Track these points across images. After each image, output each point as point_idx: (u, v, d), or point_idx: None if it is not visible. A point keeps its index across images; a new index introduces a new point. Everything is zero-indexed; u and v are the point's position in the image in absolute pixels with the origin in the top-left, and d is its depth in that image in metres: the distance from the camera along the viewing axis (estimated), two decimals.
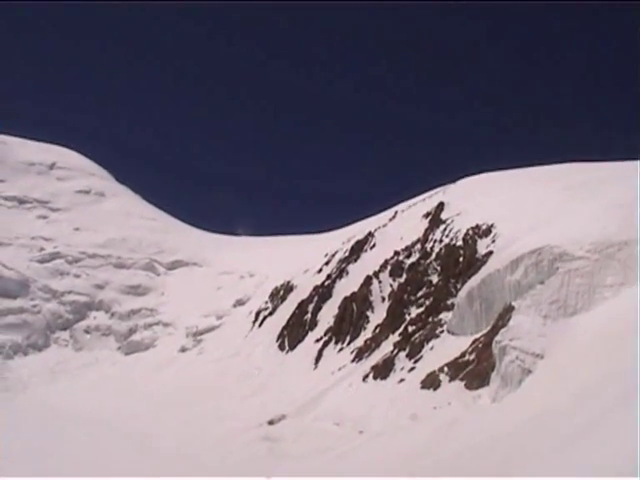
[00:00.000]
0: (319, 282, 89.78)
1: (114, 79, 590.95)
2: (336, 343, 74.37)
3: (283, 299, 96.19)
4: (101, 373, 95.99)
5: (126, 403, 76.60)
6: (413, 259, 77.31)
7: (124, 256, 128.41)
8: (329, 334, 76.64)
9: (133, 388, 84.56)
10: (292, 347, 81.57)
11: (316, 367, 73.11)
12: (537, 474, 24.84)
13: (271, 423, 62.92)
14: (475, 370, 48.28)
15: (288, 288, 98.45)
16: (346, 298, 78.96)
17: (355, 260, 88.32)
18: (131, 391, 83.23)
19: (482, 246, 67.12)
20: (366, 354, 66.28)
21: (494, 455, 31.56)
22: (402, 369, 57.90)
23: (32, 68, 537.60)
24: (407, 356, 59.23)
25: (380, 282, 77.05)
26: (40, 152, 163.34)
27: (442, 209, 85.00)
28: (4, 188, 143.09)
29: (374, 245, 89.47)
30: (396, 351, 61.10)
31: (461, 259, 68.75)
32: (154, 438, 60.56)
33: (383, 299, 74.60)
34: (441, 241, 76.06)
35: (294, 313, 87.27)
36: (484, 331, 52.16)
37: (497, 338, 46.02)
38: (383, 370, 59.55)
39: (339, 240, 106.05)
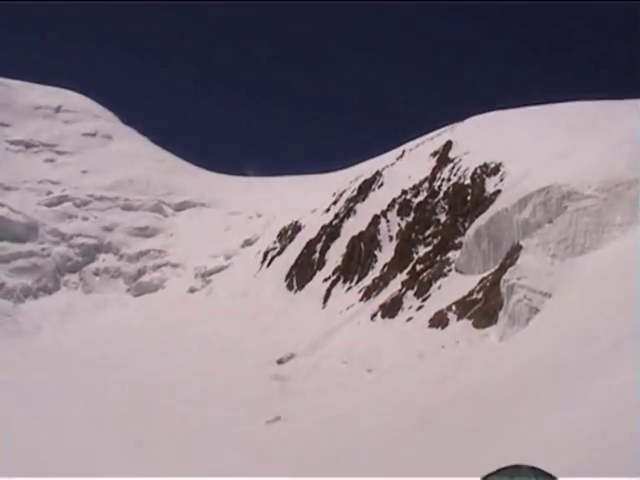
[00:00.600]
0: (327, 222, 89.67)
1: (118, 19, 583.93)
2: (344, 282, 74.61)
3: (291, 239, 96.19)
4: (111, 315, 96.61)
5: (136, 344, 77.22)
6: (421, 198, 77.10)
7: (132, 198, 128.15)
8: (337, 273, 76.85)
9: (143, 329, 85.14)
10: (300, 287, 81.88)
11: (324, 306, 73.47)
12: (543, 413, 25.05)
13: (280, 362, 63.47)
14: (483, 309, 48.46)
15: (296, 228, 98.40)
16: (354, 237, 78.96)
17: (363, 199, 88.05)
18: (141, 332, 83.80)
19: (490, 185, 66.86)
20: (374, 293, 66.53)
21: (501, 393, 31.80)
22: (410, 308, 58.17)
23: (35, 9, 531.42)
24: (415, 295, 59.48)
25: (388, 221, 76.95)
26: (45, 95, 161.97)
27: (450, 148, 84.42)
28: (10, 132, 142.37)
29: (382, 184, 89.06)
30: (404, 290, 61.32)
31: (469, 198, 68.59)
32: (165, 379, 61.16)
33: (391, 238, 74.56)
34: (449, 180, 75.75)
35: (302, 253, 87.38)
36: (492, 270, 52.20)
37: (505, 277, 46.09)
38: (391, 309, 59.85)
39: (347, 179, 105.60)
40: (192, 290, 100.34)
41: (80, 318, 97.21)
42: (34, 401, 50.90)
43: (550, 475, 9.45)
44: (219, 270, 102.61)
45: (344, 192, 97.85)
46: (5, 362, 65.30)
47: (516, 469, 9.59)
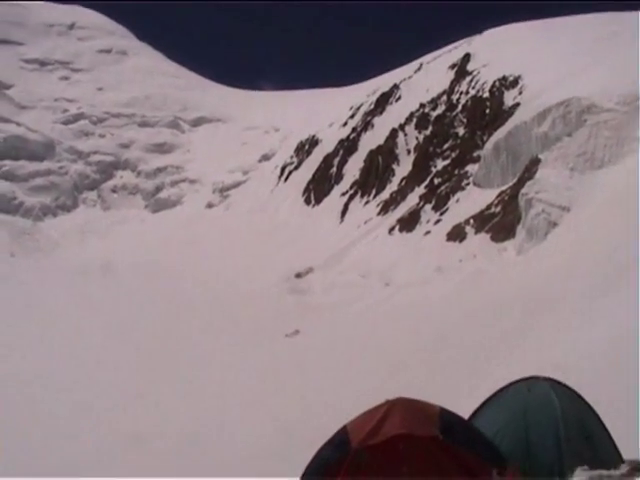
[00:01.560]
0: (344, 135, 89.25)
1: None
2: (362, 196, 74.66)
3: (308, 153, 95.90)
4: (129, 231, 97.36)
5: (153, 261, 78.07)
6: (439, 111, 76.35)
7: (148, 114, 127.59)
8: (355, 187, 76.82)
9: (162, 244, 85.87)
10: (318, 201, 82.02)
11: (342, 220, 73.73)
12: (560, 326, 25.23)
13: (298, 276, 64.04)
14: (501, 222, 48.46)
15: (313, 142, 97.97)
16: (372, 151, 78.65)
17: (380, 113, 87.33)
18: (160, 247, 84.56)
19: (509, 98, 66.00)
20: (392, 207, 66.60)
21: (518, 307, 31.99)
22: (428, 221, 58.26)
23: None
24: (433, 208, 59.49)
25: (406, 135, 76.42)
26: (59, 13, 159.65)
27: (468, 60, 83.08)
28: (25, 51, 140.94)
29: (399, 97, 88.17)
30: (422, 204, 61.31)
31: (487, 111, 67.85)
32: (184, 294, 61.96)
33: (409, 152, 74.16)
34: (467, 93, 74.83)
35: (320, 167, 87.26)
36: (510, 184, 51.94)
37: (523, 191, 45.90)
38: (409, 223, 59.95)
39: (364, 93, 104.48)
40: (210, 206, 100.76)
41: (99, 235, 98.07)
42: (54, 318, 51.79)
43: (567, 386, 9.66)
44: (236, 185, 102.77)
45: (361, 106, 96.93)
46: (25, 280, 66.21)
47: (533, 381, 9.75)
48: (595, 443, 9.33)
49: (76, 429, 31.69)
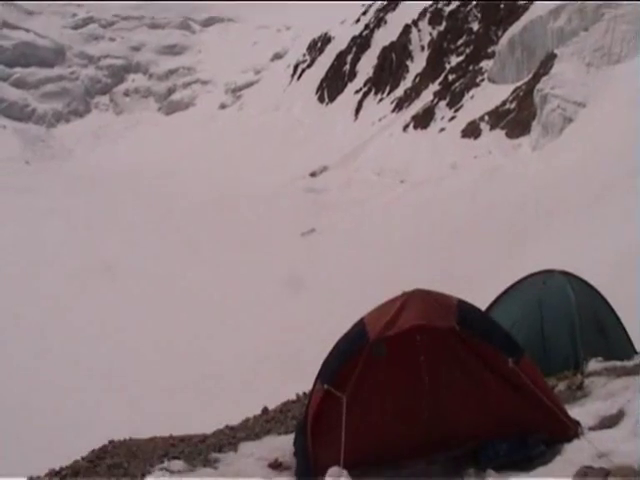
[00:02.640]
0: (357, 32, 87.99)
1: None
2: (376, 94, 74.28)
3: (321, 51, 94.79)
4: (143, 135, 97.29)
5: (168, 161, 78.41)
6: (453, 6, 74.98)
7: (158, 16, 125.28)
8: (368, 85, 76.35)
9: (176, 147, 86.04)
10: (332, 99, 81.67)
11: (356, 118, 73.57)
12: (575, 223, 25.70)
13: (314, 175, 64.49)
14: (516, 119, 48.50)
15: (325, 40, 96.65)
16: (385, 48, 77.75)
17: (393, 9, 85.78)
18: (173, 150, 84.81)
19: None
20: (406, 104, 66.40)
21: (533, 204, 32.50)
22: (442, 118, 58.23)
23: None
24: (447, 105, 59.35)
25: (419, 31, 75.36)
26: None
27: None
28: None
29: None
30: (436, 100, 61.14)
31: (502, 6, 66.62)
32: (197, 195, 62.50)
33: (422, 48, 73.30)
34: None
35: (332, 65, 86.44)
36: (525, 79, 51.65)
37: (538, 86, 45.78)
38: (423, 120, 59.95)
39: None
40: (223, 106, 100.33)
41: (112, 139, 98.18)
42: (71, 222, 52.43)
43: (582, 280, 9.90)
44: (249, 85, 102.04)
45: (374, 2, 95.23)
46: (41, 186, 66.68)
47: (548, 274, 10.00)
48: (609, 335, 9.63)
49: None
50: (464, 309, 5.81)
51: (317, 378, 5.86)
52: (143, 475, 5.76)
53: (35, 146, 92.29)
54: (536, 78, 48.24)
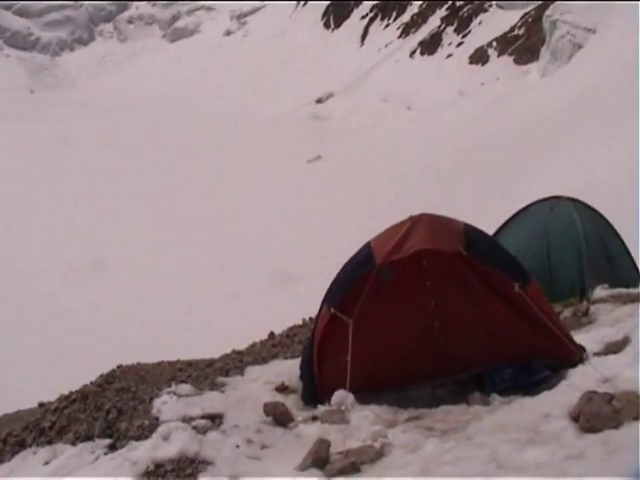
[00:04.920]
0: None
1: None
2: (382, 19, 73.25)
3: None
4: (147, 62, 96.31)
5: (171, 90, 78.03)
6: None
7: None
8: (375, 10, 75.23)
9: (180, 74, 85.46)
10: (337, 25, 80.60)
11: (362, 44, 72.73)
12: (582, 149, 25.72)
13: (319, 102, 64.17)
14: (524, 45, 47.97)
15: None
16: None
17: None
18: (178, 78, 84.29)
19: None
20: (413, 30, 65.57)
21: (540, 130, 32.32)
22: (450, 44, 57.59)
23: None
24: (455, 31, 58.62)
25: None
26: None
27: None
28: None
29: None
30: (443, 26, 60.37)
31: None
32: (207, 119, 62.43)
33: None
34: None
35: None
36: (534, 5, 50.86)
37: (548, 12, 44.97)
38: (430, 46, 59.33)
39: None
40: (228, 33, 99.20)
41: (116, 67, 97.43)
42: (76, 150, 52.41)
43: (589, 206, 9.82)
44: (254, 11, 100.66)
45: None
46: (46, 115, 66.43)
47: (555, 200, 9.90)
48: (616, 262, 9.52)
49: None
50: (471, 233, 5.73)
51: (323, 302, 5.82)
52: (151, 399, 5.85)
53: (39, 75, 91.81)
54: (545, 4, 47.49)
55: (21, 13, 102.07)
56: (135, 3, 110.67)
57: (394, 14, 71.54)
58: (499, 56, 49.65)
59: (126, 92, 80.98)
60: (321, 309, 5.85)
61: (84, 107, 72.96)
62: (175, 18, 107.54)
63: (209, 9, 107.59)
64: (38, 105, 74.25)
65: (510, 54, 48.52)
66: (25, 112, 67.87)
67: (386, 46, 66.93)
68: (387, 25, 71.63)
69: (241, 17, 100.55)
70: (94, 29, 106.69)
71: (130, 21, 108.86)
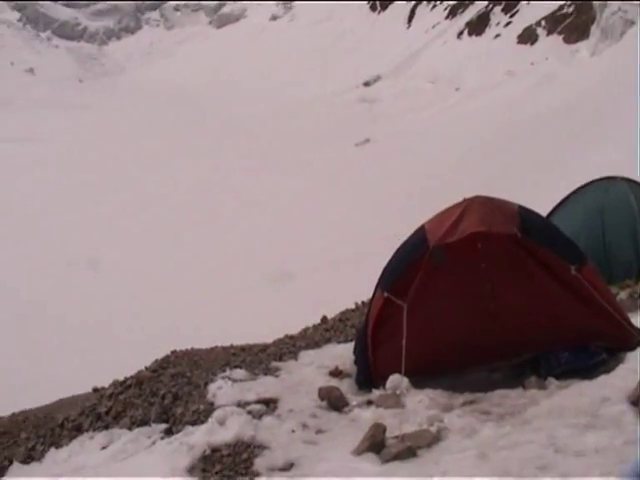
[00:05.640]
0: None
1: None
2: (429, 0, 72.71)
3: None
4: (194, 49, 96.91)
5: (217, 79, 78.35)
6: None
7: None
8: None
9: (227, 60, 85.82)
10: (384, 7, 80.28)
11: (409, 26, 72.36)
12: (634, 128, 25.24)
13: (367, 84, 63.97)
14: (574, 23, 47.18)
15: None
16: None
17: None
18: (226, 63, 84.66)
19: None
20: (460, 10, 64.96)
21: (591, 109, 31.89)
22: (498, 24, 56.94)
23: None
24: (502, 10, 57.89)
25: None
26: None
27: None
28: None
29: None
30: (491, 6, 59.69)
31: None
32: (256, 102, 62.67)
33: None
34: None
35: None
36: None
37: None
38: (478, 26, 58.73)
39: None
40: (274, 18, 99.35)
41: (163, 55, 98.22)
42: (123, 136, 53.03)
43: None
44: None
45: None
46: (95, 105, 67.31)
47: (610, 181, 9.70)
48: None
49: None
50: (525, 215, 5.67)
51: (377, 286, 5.79)
52: (206, 384, 5.89)
53: (87, 64, 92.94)
54: None
55: (69, 3, 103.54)
56: None
57: None
58: (548, 35, 48.95)
59: (174, 79, 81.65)
60: (375, 293, 5.80)
61: (132, 94, 73.77)
62: (221, 4, 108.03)
63: None
64: (87, 94, 75.19)
65: (559, 33, 47.81)
66: (74, 101, 68.80)
67: (433, 27, 66.51)
68: (434, 6, 71.15)
69: (287, 2, 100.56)
70: (141, 17, 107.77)
71: (176, 8, 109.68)
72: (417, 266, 5.47)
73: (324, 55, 75.68)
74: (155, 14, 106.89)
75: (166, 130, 55.47)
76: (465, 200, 5.60)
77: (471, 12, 62.02)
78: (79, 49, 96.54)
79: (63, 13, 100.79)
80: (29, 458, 6.06)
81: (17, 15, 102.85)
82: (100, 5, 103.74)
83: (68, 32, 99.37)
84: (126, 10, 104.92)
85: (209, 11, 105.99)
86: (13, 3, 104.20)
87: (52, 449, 6.02)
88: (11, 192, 39.29)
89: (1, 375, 18.13)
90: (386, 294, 5.53)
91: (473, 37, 58.14)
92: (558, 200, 9.91)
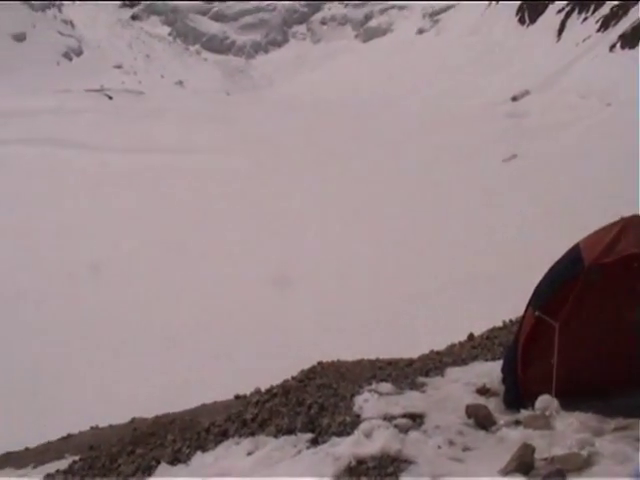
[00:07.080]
0: None
1: None
2: (580, 13, 71.18)
3: None
4: (340, 62, 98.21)
5: (368, 89, 78.85)
6: None
7: None
8: (572, 3, 73.18)
9: (374, 74, 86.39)
10: (532, 20, 79.06)
11: (559, 39, 71.00)
12: None
13: (515, 99, 62.99)
14: None
15: None
16: None
17: None
18: (373, 77, 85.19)
19: None
20: (612, 22, 63.23)
21: None
22: None
23: None
24: None
25: None
26: None
27: None
28: None
29: None
30: None
31: None
32: (403, 115, 62.70)
33: None
34: None
35: None
36: None
37: None
38: (631, 38, 56.95)
39: None
40: (420, 31, 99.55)
41: (309, 68, 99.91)
42: (273, 149, 54.07)
43: None
44: (447, 9, 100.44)
45: None
46: (242, 117, 69.03)
47: None
48: None
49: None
50: None
51: (529, 304, 5.71)
52: (352, 395, 5.95)
53: (235, 77, 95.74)
54: None
55: (217, 18, 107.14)
56: (328, 4, 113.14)
57: (592, 7, 69.26)
58: None
59: (321, 92, 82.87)
60: (526, 311, 5.72)
61: (279, 107, 75.23)
62: (368, 18, 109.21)
63: (401, 8, 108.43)
64: (234, 106, 77.21)
65: None
66: (222, 113, 70.78)
67: (584, 40, 64.94)
68: (585, 18, 69.46)
69: (433, 15, 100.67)
70: (288, 31, 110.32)
71: (323, 22, 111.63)
72: (571, 285, 5.32)
73: (471, 69, 75.12)
74: (302, 28, 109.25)
75: (315, 141, 56.23)
76: (623, 219, 5.40)
77: (624, 24, 60.19)
78: (227, 62, 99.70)
79: (212, 27, 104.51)
80: (175, 460, 6.29)
81: (168, 29, 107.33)
82: (248, 19, 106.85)
83: (216, 46, 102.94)
84: (273, 24, 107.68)
85: (355, 25, 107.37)
86: (164, 18, 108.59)
87: (198, 452, 6.26)
88: (170, 200, 40.38)
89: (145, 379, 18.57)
90: (537, 313, 5.39)
91: (626, 50, 56.40)
92: None
